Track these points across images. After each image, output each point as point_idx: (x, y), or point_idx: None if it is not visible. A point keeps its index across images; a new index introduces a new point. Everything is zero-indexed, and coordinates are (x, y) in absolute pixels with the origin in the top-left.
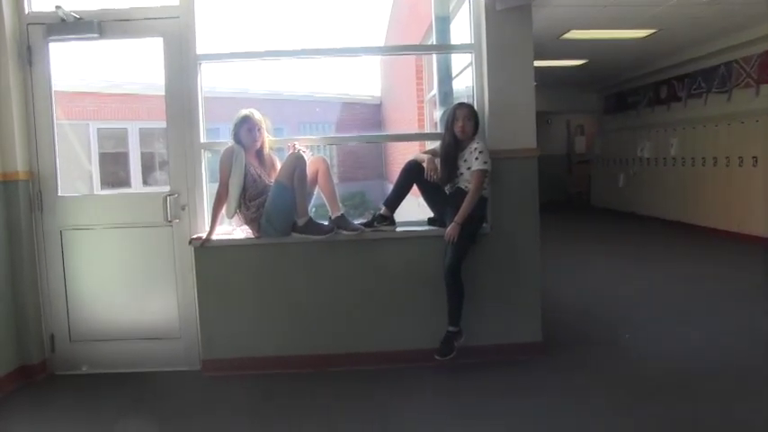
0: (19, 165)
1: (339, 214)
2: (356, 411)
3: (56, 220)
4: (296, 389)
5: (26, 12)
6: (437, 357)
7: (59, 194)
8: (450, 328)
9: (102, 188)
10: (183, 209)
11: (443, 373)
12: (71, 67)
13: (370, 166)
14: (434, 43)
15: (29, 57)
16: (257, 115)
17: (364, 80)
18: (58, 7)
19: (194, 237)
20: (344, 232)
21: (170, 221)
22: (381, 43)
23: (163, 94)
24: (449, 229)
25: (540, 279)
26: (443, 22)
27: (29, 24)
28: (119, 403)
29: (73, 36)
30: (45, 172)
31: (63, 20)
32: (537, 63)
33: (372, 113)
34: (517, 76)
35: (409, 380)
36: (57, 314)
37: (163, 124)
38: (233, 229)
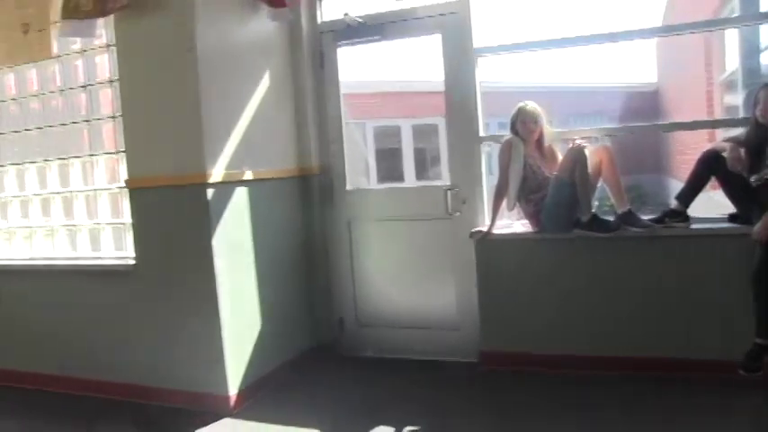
0: (313, 160)
1: (626, 209)
2: (639, 424)
3: (344, 211)
4: (571, 390)
5: (319, 21)
6: (741, 372)
7: (347, 188)
8: (758, 341)
9: (378, 182)
10: (464, 202)
11: (747, 390)
12: (353, 69)
13: (646, 159)
14: (736, 14)
15: (321, 61)
16: (531, 106)
17: (636, 66)
18: (345, 14)
19: (475, 230)
20: (632, 229)
21: (450, 214)
22: (659, 23)
23: (435, 90)
24: (757, 227)
25: None
26: None
27: (321, 32)
28: (399, 388)
29: (358, 40)
30: (335, 167)
31: (349, 25)
32: None
33: (647, 101)
34: None
35: (699, 395)
36: (345, 299)
37: (433, 120)
38: (512, 223)
